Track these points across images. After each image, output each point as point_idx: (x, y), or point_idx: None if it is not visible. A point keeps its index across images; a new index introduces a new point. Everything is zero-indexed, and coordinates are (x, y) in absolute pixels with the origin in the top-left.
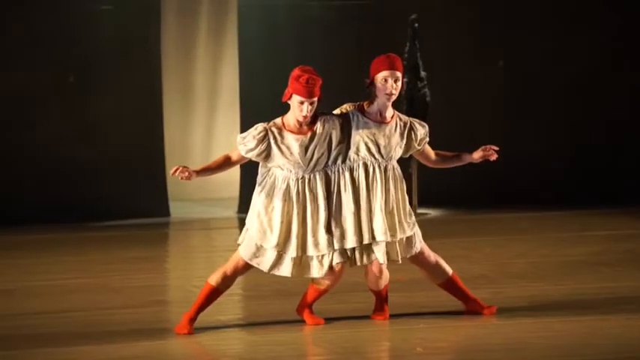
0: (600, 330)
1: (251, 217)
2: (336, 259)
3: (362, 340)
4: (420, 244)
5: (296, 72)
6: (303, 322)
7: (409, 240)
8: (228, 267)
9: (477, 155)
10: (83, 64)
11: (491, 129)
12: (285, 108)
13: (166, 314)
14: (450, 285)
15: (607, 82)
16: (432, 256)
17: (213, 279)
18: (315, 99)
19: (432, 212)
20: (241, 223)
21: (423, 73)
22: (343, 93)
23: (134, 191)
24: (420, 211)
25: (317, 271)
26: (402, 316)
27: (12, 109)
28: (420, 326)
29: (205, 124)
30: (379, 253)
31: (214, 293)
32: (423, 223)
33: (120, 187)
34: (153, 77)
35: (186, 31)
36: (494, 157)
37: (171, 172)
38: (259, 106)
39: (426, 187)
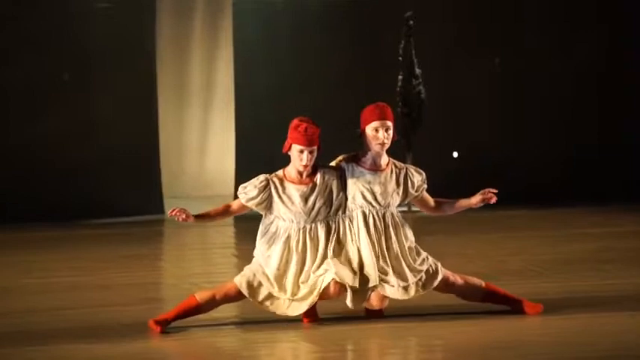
0: (598, 328)
1: (253, 261)
2: (328, 278)
3: (358, 337)
4: (440, 273)
5: (294, 122)
6: (299, 319)
7: (428, 274)
8: (219, 291)
9: (475, 200)
10: (78, 63)
11: (489, 128)
12: (279, 104)
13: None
14: (488, 296)
15: (607, 82)
16: (458, 278)
17: (200, 296)
18: (315, 147)
19: None
20: (237, 221)
21: (417, 71)
22: (339, 91)
23: (129, 189)
24: (415, 208)
25: (308, 303)
26: (398, 313)
27: (8, 108)
28: (417, 324)
29: (200, 122)
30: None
31: (195, 309)
32: (419, 221)
33: (114, 185)
34: (148, 75)
35: (181, 29)
36: (493, 199)
37: (169, 212)
38: (254, 103)
39: None
